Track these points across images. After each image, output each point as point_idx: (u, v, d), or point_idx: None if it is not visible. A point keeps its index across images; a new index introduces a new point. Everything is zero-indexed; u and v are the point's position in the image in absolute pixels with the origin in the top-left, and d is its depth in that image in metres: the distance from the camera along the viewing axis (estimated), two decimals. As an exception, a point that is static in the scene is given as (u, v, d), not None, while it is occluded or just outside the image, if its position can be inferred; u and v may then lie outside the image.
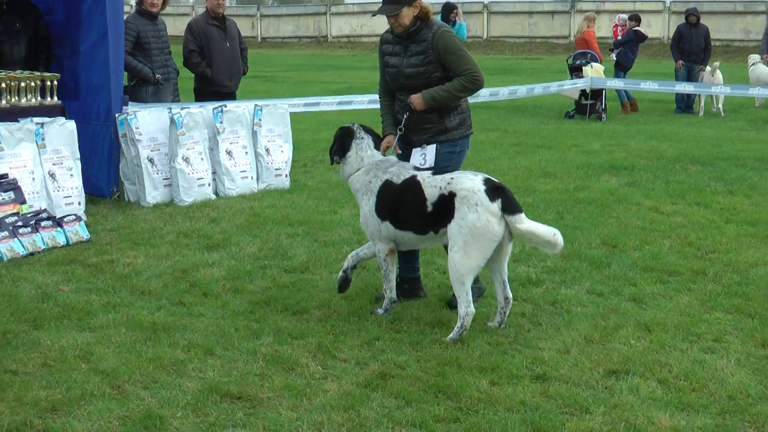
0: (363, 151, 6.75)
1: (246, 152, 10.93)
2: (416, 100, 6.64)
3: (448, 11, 18.38)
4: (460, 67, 6.63)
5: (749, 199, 10.56)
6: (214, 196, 10.54)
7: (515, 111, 19.95)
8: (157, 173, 10.31)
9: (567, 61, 20.92)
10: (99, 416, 4.90)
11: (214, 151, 10.69)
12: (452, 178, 6.25)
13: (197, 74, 11.77)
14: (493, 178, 6.25)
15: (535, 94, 18.28)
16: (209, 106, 10.82)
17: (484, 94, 16.06)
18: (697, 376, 5.46)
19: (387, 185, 6.53)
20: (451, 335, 6.10)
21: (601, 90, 19.42)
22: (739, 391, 5.26)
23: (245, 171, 10.90)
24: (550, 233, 6.11)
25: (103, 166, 10.48)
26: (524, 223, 6.10)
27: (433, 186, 6.28)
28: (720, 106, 20.53)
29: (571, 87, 18.72)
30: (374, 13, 6.87)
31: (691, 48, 20.90)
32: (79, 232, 8.65)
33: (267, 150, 11.13)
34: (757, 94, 19.35)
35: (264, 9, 61.81)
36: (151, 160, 10.28)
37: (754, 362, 5.73)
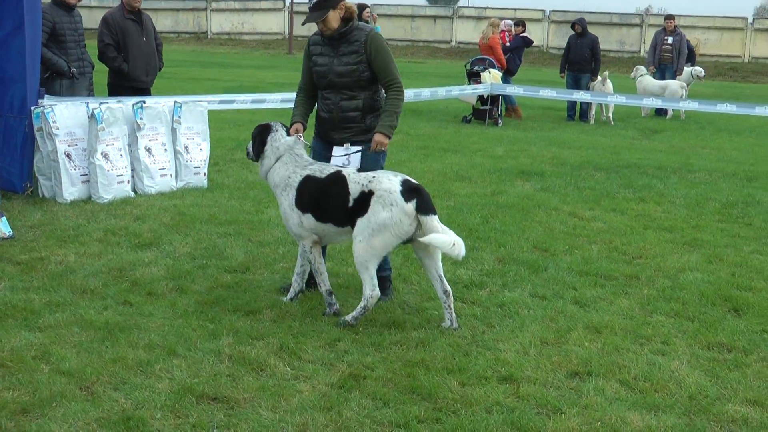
0: (276, 141, 6.87)
1: (165, 149, 10.77)
2: (380, 139, 6.79)
3: (359, 11, 18.40)
4: (387, 75, 6.83)
5: (660, 206, 10.92)
6: (132, 194, 10.35)
7: (413, 114, 20.11)
8: (75, 169, 10.07)
9: (465, 66, 21.20)
10: (75, 418, 4.79)
11: (133, 148, 10.48)
12: (374, 177, 6.42)
13: (113, 69, 11.51)
14: (411, 180, 6.41)
15: (438, 97, 18.45)
16: (129, 102, 10.61)
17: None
18: (656, 377, 5.64)
19: (309, 179, 6.65)
20: (353, 314, 6.36)
21: (498, 96, 19.77)
22: (698, 392, 5.46)
23: (164, 169, 10.73)
24: (449, 243, 6.26)
25: (16, 160, 10.17)
26: (435, 229, 6.26)
27: (356, 182, 6.44)
28: (610, 114, 21.15)
29: (472, 92, 18.99)
30: (304, 22, 6.91)
31: (576, 57, 21.44)
32: (1, 228, 8.38)
33: (186, 148, 10.98)
34: (652, 105, 19.93)
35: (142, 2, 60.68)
36: (68, 156, 10.03)
37: (704, 364, 5.95)
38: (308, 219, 6.64)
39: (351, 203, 6.42)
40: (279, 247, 8.37)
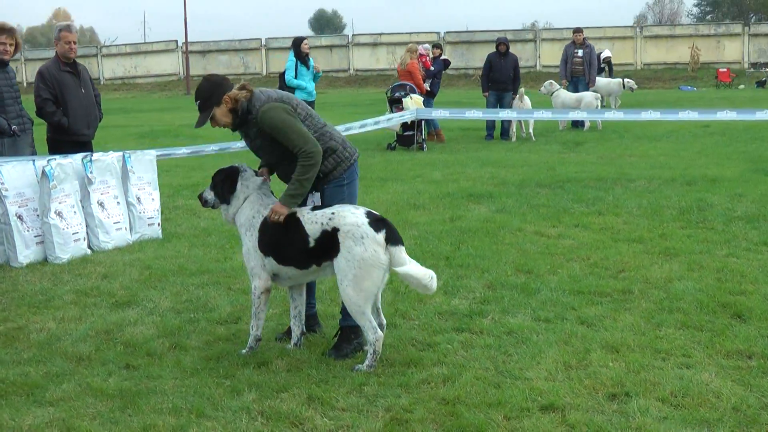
0: (247, 180, 6.65)
1: (118, 202, 10.46)
2: (276, 208, 6.43)
3: (297, 44, 18.18)
4: (292, 146, 6.36)
5: (620, 218, 11.02)
6: (89, 251, 10.01)
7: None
8: (28, 230, 9.70)
9: (386, 94, 21.22)
10: (128, 496, 4.52)
11: (85, 203, 10.15)
12: (333, 213, 6.25)
13: (52, 123, 11.08)
14: (373, 211, 6.31)
15: (368, 129, 18.34)
16: (77, 157, 10.26)
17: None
18: (692, 391, 5.61)
19: (268, 221, 6.45)
20: (367, 362, 6.18)
21: (421, 121, 19.81)
22: (740, 403, 5.43)
23: (119, 222, 10.42)
24: (427, 277, 6.17)
25: (-36, 227, 9.75)
26: (404, 261, 6.17)
27: (313, 222, 6.27)
28: (531, 131, 21.38)
29: (399, 119, 18.98)
30: (195, 125, 6.62)
31: (501, 77, 21.67)
32: (-34, 299, 8.00)
33: (138, 198, 10.69)
34: (604, 118, 20.16)
35: (28, 52, 59.58)
36: (19, 217, 9.67)
37: (732, 373, 5.94)
38: (270, 262, 6.50)
39: (312, 244, 6.27)
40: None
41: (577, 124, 23.15)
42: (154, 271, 9.05)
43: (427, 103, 21.14)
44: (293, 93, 17.12)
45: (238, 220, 6.66)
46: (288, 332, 6.93)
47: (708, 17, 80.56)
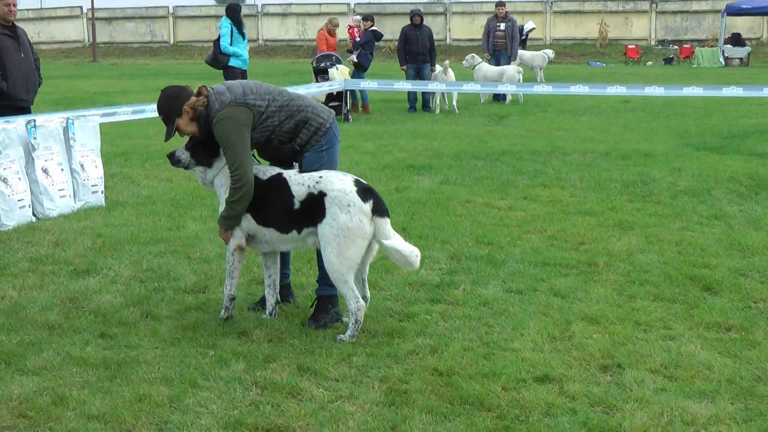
0: None
1: (62, 169, 10.16)
2: (220, 234, 6.56)
3: (237, 11, 17.84)
4: (228, 163, 6.32)
5: (565, 191, 11.13)
6: (34, 219, 9.72)
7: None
8: (-29, 197, 9.36)
9: (312, 64, 21.03)
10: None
11: (29, 170, 9.84)
12: (321, 177, 6.19)
13: (-10, 88, 10.67)
14: (361, 180, 6.27)
15: None
16: (20, 121, 9.93)
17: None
18: (683, 363, 5.69)
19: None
20: (349, 332, 6.15)
21: (345, 92, 19.68)
22: (733, 375, 5.52)
23: (63, 189, 10.13)
24: (414, 254, 6.19)
25: None
26: (389, 234, 6.18)
27: (300, 183, 6.20)
28: (454, 103, 21.46)
29: (327, 89, 18.84)
30: (165, 140, 6.55)
31: (418, 49, 21.59)
32: None
33: (82, 165, 10.41)
34: (539, 92, 20.32)
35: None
36: (-37, 183, 9.32)
37: (717, 345, 6.04)
38: (248, 221, 6.38)
39: (296, 206, 6.19)
40: (222, 262, 7.95)
41: (499, 98, 23.31)
42: (107, 239, 8.84)
43: (357, 75, 21.03)
44: (228, 60, 16.88)
45: (219, 180, 6.51)
46: (261, 302, 6.84)
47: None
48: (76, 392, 5.27)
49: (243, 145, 6.23)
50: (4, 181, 9.41)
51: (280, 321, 6.52)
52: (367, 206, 6.07)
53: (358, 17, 23.01)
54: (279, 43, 54.73)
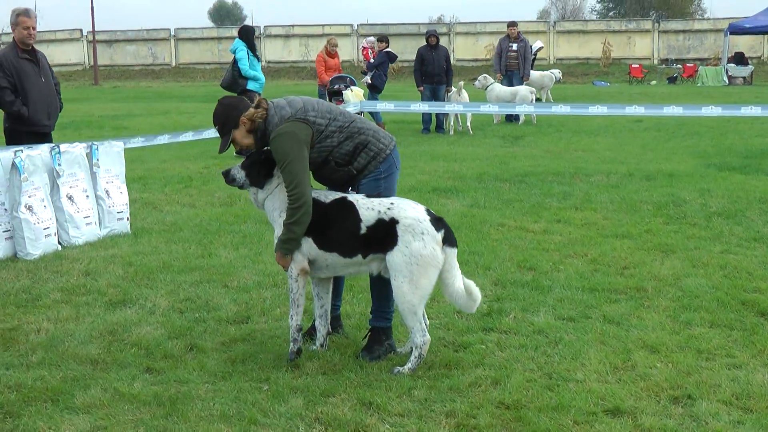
0: None
1: (87, 196, 9.97)
2: (279, 260, 6.18)
3: (251, 33, 17.64)
4: (286, 183, 6.05)
5: (599, 213, 10.95)
6: (59, 247, 9.52)
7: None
8: (-4, 225, 9.18)
9: (324, 87, 20.87)
10: None
11: (54, 197, 9.65)
12: (392, 204, 5.96)
13: (11, 113, 10.50)
14: (430, 209, 6.08)
15: None
16: (44, 148, 9.75)
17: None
18: (754, 393, 5.49)
19: (313, 203, 6.06)
20: (409, 365, 5.94)
21: (361, 114, 19.51)
22: (809, 403, 5.36)
23: (89, 216, 9.93)
24: (479, 299, 6.10)
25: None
26: (454, 266, 6.04)
27: (370, 208, 5.96)
28: (468, 125, 21.31)
29: (351, 109, 18.62)
30: (219, 151, 6.37)
31: (434, 70, 21.48)
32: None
33: (107, 192, 10.22)
34: (557, 113, 20.11)
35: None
36: (-13, 211, 9.13)
37: (781, 372, 5.87)
38: (308, 244, 6.11)
39: (364, 230, 5.95)
40: (261, 291, 7.85)
41: (512, 118, 23.18)
42: (138, 268, 8.64)
43: (371, 96, 20.88)
44: (246, 83, 16.70)
45: (271, 203, 6.25)
46: (309, 332, 6.63)
47: (611, 13, 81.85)
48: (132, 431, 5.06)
49: (302, 162, 5.99)
50: (30, 209, 9.22)
51: (332, 353, 6.32)
52: (440, 235, 5.89)
53: (372, 39, 22.88)
54: (282, 64, 54.71)
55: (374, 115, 20.63)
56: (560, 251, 9.05)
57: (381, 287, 6.27)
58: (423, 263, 5.83)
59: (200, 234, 10.07)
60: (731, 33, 44.54)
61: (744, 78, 42.64)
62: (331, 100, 19.80)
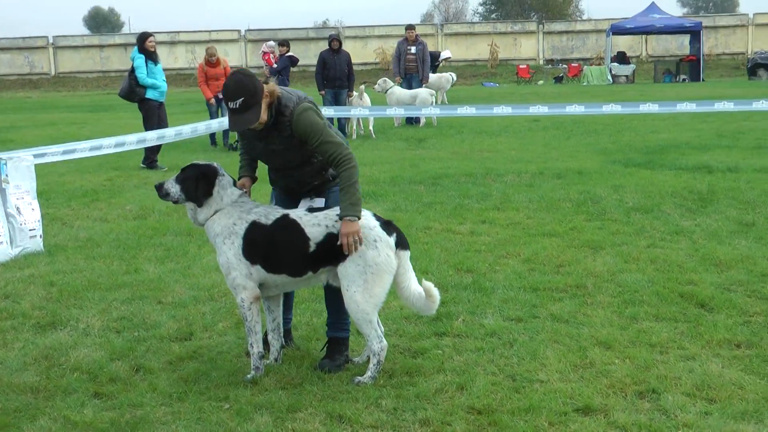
0: (224, 190, 6.01)
1: (-3, 214, 9.54)
2: (350, 228, 5.68)
3: (143, 40, 17.06)
4: (327, 154, 5.79)
5: (520, 213, 11.00)
6: (-30, 268, 9.08)
7: (175, 149, 19.21)
8: None
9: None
10: None
11: (-37, 217, 9.21)
12: (338, 215, 5.78)
13: None
14: (377, 214, 5.99)
15: (199, 133, 17.37)
16: (-49, 164, 9.30)
17: (151, 138, 15.09)
18: (714, 384, 5.55)
19: (255, 226, 5.87)
20: (369, 373, 5.81)
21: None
22: (767, 392, 5.41)
23: (0, 236, 9.50)
24: (437, 295, 5.97)
25: None
26: (408, 268, 5.96)
27: (316, 225, 5.79)
28: (371, 128, 21.26)
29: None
30: (235, 129, 5.83)
31: (336, 74, 21.32)
32: None
33: (18, 209, 9.78)
34: (466, 114, 19.98)
35: None
36: None
37: (734, 362, 5.93)
38: (257, 271, 5.92)
39: (312, 248, 5.79)
40: (199, 305, 7.61)
41: (412, 121, 23.22)
42: (62, 287, 8.27)
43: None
44: (145, 92, 16.26)
45: (212, 228, 6.01)
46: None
47: (493, 15, 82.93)
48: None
49: (328, 128, 5.81)
50: (-58, 229, 8.76)
51: (288, 366, 6.14)
52: (392, 240, 5.79)
53: (273, 43, 22.63)
54: (168, 72, 53.56)
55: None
56: (492, 252, 9.03)
57: (337, 298, 6.13)
58: (378, 271, 5.72)
59: (120, 249, 9.74)
60: (613, 33, 45.59)
61: (627, 76, 43.74)
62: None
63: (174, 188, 6.08)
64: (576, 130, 21.00)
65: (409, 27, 23.85)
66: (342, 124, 21.49)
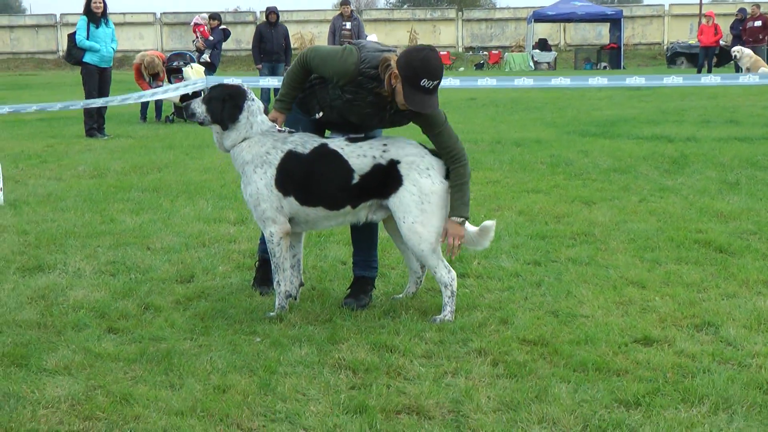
0: (254, 117, 5.62)
1: (-42, 164, 8.96)
2: (457, 230, 5.48)
3: (87, 2, 16.33)
4: (443, 146, 5.51)
5: (497, 173, 10.81)
6: (-69, 219, 8.50)
7: (114, 120, 18.59)
8: None
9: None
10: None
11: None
12: (386, 144, 5.49)
13: None
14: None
15: (144, 100, 16.74)
16: None
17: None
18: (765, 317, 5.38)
19: (291, 156, 5.50)
20: (448, 308, 5.50)
21: (200, 92, 18.74)
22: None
23: (-41, 187, 8.92)
24: (492, 225, 5.80)
25: None
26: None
27: (362, 155, 5.45)
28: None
29: (187, 89, 17.80)
30: (425, 110, 5.36)
31: (273, 47, 20.89)
32: None
33: (-22, 160, 9.22)
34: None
35: None
36: None
37: (777, 300, 5.78)
38: (290, 203, 5.55)
39: (356, 180, 5.44)
40: (191, 251, 7.21)
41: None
42: (38, 235, 7.77)
43: (208, 74, 20.07)
44: (83, 55, 15.59)
45: (240, 155, 5.62)
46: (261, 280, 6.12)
47: (405, 6, 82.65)
48: (140, 389, 4.41)
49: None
50: None
51: (311, 304, 5.79)
52: (444, 168, 5.49)
53: (205, 15, 21.93)
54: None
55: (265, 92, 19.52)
56: (483, 206, 8.78)
57: (366, 236, 5.89)
58: (435, 199, 5.42)
59: (87, 202, 9.23)
60: (535, 20, 45.84)
61: (548, 63, 43.96)
62: (170, 80, 18.96)
63: (200, 108, 5.69)
64: (516, 107, 20.89)
65: (344, 2, 23.43)
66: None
